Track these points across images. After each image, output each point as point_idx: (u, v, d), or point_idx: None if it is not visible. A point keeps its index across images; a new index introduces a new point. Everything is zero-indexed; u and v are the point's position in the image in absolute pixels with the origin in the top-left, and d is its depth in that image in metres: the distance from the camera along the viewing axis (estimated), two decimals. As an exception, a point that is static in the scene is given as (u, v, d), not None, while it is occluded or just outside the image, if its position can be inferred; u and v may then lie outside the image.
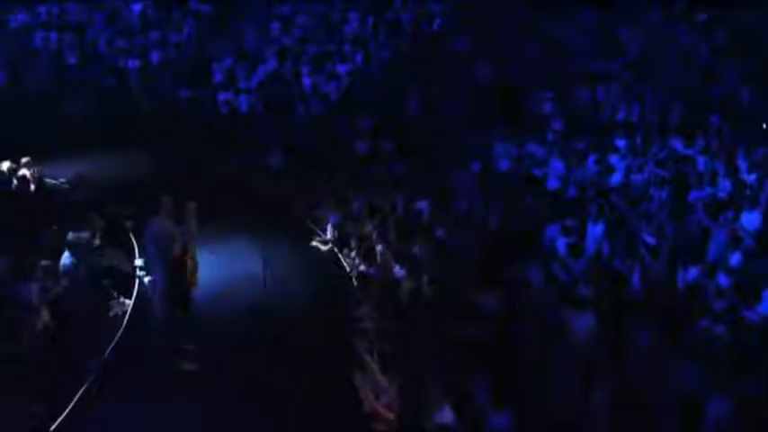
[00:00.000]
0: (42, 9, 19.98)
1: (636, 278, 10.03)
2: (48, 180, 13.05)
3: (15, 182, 12.64)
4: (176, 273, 8.94)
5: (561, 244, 11.06)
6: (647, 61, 17.02)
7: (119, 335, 8.81)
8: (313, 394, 7.81)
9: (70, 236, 9.26)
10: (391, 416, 7.20)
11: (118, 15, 20.19)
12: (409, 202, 11.80)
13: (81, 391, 7.83)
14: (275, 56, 18.90)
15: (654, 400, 7.52)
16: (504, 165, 14.37)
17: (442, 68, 18.22)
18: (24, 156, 12.95)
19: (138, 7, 20.22)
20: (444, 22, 19.87)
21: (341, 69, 18.43)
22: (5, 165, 12.96)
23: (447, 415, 6.88)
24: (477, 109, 16.68)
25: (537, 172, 13.79)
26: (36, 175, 12.81)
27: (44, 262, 9.19)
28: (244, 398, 7.94)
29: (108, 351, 8.59)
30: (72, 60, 19.17)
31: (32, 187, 12.56)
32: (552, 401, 7.60)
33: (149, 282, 9.48)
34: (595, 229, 11.07)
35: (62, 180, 13.22)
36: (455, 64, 18.27)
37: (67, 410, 7.57)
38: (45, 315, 8.72)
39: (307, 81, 18.11)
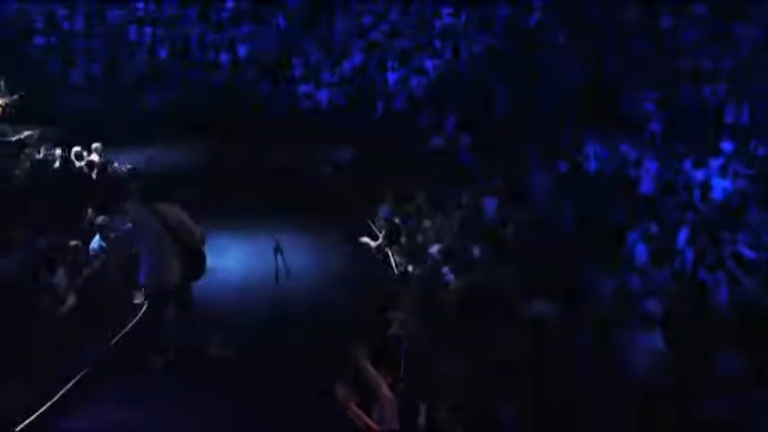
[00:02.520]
0: (140, 5, 20.26)
1: (723, 294, 8.69)
2: (114, 166, 12.94)
3: (81, 165, 12.62)
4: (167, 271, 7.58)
5: (642, 251, 9.87)
6: (762, 59, 15.28)
7: (130, 325, 8.25)
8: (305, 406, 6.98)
9: (100, 219, 8.90)
10: None
11: (210, 10, 20.19)
12: (476, 199, 10.85)
13: (72, 381, 7.32)
14: (362, 50, 18.36)
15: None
16: (593, 165, 13.26)
17: (536, 65, 17.16)
18: (100, 141, 13.11)
19: (230, 2, 20.16)
20: (543, 18, 18.71)
21: (428, 64, 17.69)
22: (76, 149, 13.01)
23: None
24: (570, 107, 15.55)
25: (629, 174, 12.57)
26: (102, 160, 12.79)
27: (72, 243, 8.85)
28: (236, 403, 7.27)
29: (113, 340, 8.06)
30: (163, 54, 19.36)
31: (95, 171, 12.48)
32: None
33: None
34: (682, 237, 9.77)
35: (128, 166, 13.10)
36: (550, 60, 17.14)
37: (53, 401, 7.08)
38: (70, 299, 8.34)
39: (391, 76, 17.47)
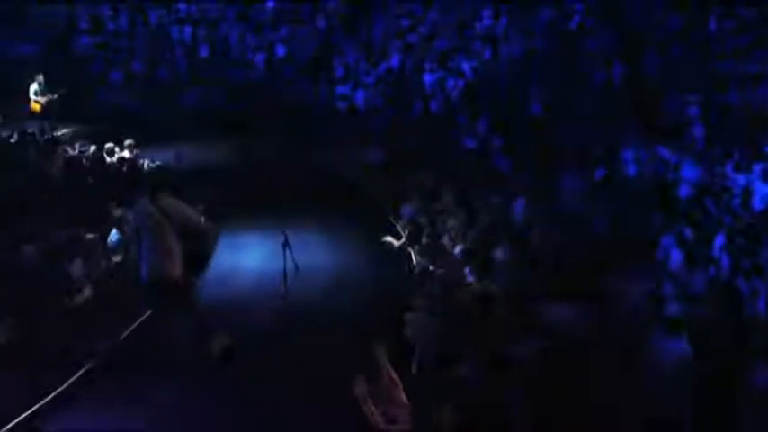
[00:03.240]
0: (182, 6, 20.47)
1: (761, 303, 8.25)
2: (143, 162, 13.00)
3: (112, 161, 12.70)
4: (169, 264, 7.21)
5: (676, 256, 9.48)
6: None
7: (140, 320, 8.17)
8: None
9: (118, 212, 8.87)
10: None
11: (250, 11, 20.29)
12: (505, 200, 10.58)
13: (73, 378, 7.26)
14: (399, 52, 18.22)
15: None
16: (631, 170, 12.89)
17: (576, 68, 16.80)
18: (134, 138, 13.22)
19: (271, 3, 20.24)
20: (584, 20, 18.32)
21: (465, 66, 17.46)
22: (108, 145, 13.11)
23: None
24: (609, 111, 15.15)
25: (668, 178, 12.17)
26: (132, 156, 12.86)
27: (89, 236, 8.84)
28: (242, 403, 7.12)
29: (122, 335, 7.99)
30: (204, 54, 19.51)
31: (125, 167, 12.54)
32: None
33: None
34: (719, 242, 9.35)
35: (158, 163, 13.15)
36: (590, 63, 16.76)
37: (54, 394, 7.02)
38: (86, 291, 8.32)
39: (428, 78, 17.29)
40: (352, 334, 7.54)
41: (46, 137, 14.18)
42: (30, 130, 14.31)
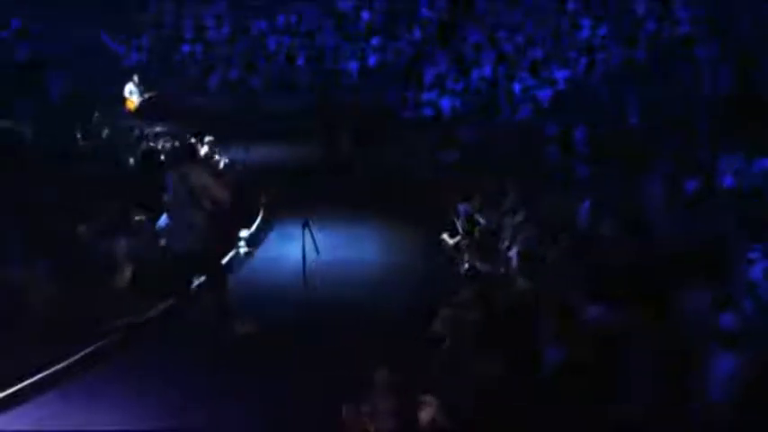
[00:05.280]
0: (282, 17, 20.91)
1: None
2: (215, 158, 13.18)
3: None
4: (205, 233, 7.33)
5: (758, 268, 8.54)
6: None
7: (168, 302, 8.09)
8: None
9: (167, 197, 8.89)
10: None
11: (346, 22, 20.48)
12: (573, 203, 9.97)
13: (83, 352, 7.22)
14: (492, 61, 17.85)
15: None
16: (727, 181, 11.92)
17: (678, 77, 15.89)
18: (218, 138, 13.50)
19: (366, 15, 20.35)
20: (691, 29, 17.35)
21: (559, 75, 16.85)
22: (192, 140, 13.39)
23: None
24: (710, 121, 14.16)
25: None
26: (208, 152, 13.06)
27: (138, 218, 8.91)
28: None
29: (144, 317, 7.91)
30: (300, 62, 19.81)
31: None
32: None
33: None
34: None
35: (226, 160, 13.32)
36: (693, 73, 15.79)
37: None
38: (127, 270, 8.36)
39: (517, 86, 16.82)
40: (378, 327, 7.13)
41: (134, 133, 14.65)
42: (121, 127, 14.83)
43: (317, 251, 7.99)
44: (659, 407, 5.87)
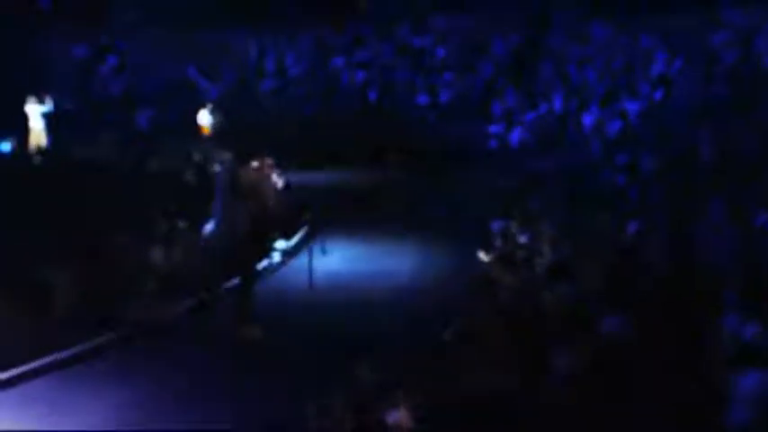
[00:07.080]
0: (358, 53, 21.40)
1: None
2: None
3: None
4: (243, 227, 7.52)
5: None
6: None
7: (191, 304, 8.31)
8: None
9: (214, 202, 9.18)
10: None
11: (422, 58, 20.75)
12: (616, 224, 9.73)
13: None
14: (563, 94, 17.73)
15: None
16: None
17: (757, 112, 15.33)
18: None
19: (441, 51, 20.59)
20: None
21: (630, 107, 16.54)
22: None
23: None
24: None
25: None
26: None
27: (181, 224, 9.22)
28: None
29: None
30: (372, 96, 20.19)
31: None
32: None
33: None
34: None
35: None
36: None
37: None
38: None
39: (588, 119, 16.60)
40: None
41: (203, 155, 15.21)
42: (191, 150, 15.47)
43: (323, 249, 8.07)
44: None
